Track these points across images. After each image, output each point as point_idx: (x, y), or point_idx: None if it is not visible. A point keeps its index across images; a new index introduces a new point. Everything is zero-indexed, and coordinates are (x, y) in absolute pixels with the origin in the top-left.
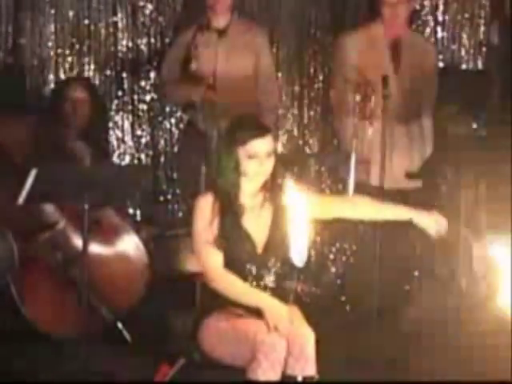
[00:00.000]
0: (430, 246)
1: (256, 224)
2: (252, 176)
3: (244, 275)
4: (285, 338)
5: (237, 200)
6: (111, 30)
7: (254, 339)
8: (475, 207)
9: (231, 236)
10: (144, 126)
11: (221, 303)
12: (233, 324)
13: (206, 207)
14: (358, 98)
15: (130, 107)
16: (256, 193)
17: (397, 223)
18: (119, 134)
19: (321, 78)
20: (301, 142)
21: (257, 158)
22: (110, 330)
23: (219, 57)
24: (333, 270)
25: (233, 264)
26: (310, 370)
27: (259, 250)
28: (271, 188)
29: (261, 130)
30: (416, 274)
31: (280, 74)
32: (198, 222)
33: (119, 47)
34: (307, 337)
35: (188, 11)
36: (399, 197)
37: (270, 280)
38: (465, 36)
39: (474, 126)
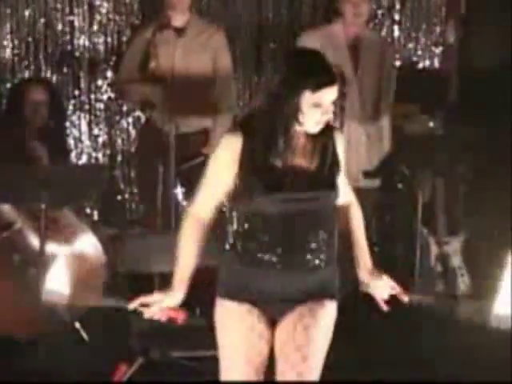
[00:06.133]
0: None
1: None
2: (310, 125)
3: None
4: None
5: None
6: (68, 29)
7: None
8: (432, 206)
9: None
10: (101, 126)
11: None
12: None
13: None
14: None
15: (86, 106)
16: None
17: None
18: (76, 134)
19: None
20: None
21: (322, 107)
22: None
23: (177, 56)
24: None
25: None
26: None
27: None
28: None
29: (332, 77)
30: None
31: (238, 73)
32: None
33: (76, 46)
34: None
35: (145, 10)
36: (357, 196)
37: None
38: (421, 35)
39: (431, 124)
